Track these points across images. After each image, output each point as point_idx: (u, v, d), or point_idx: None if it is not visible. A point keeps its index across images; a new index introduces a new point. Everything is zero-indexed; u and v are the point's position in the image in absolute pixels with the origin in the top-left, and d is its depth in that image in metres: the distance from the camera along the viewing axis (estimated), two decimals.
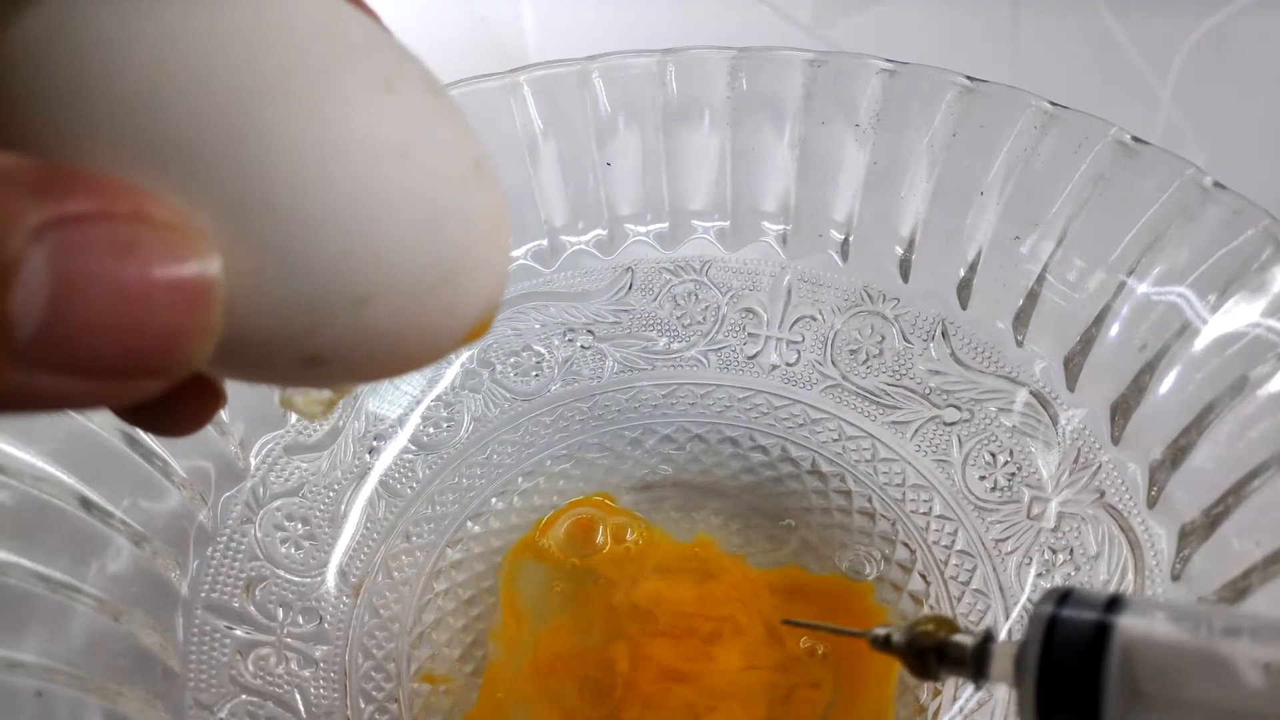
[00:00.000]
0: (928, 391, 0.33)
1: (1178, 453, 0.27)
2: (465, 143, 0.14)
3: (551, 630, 0.29)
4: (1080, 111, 0.31)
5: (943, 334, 0.33)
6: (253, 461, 0.31)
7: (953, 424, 0.33)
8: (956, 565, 0.30)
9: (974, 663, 0.17)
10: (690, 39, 0.35)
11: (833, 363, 0.35)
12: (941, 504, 0.31)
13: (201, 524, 0.30)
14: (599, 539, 0.31)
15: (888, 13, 0.53)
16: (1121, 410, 0.29)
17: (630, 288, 0.37)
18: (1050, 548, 0.29)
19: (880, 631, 0.18)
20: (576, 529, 0.32)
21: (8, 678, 0.23)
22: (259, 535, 0.30)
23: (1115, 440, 0.29)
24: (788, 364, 0.35)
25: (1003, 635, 0.28)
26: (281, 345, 0.13)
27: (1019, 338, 0.32)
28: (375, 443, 0.33)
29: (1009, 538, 0.30)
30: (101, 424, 0.27)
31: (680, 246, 0.37)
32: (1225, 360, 0.27)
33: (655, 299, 0.36)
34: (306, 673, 0.29)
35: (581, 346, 0.36)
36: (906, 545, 0.31)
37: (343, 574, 0.31)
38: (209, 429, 0.30)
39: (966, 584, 0.30)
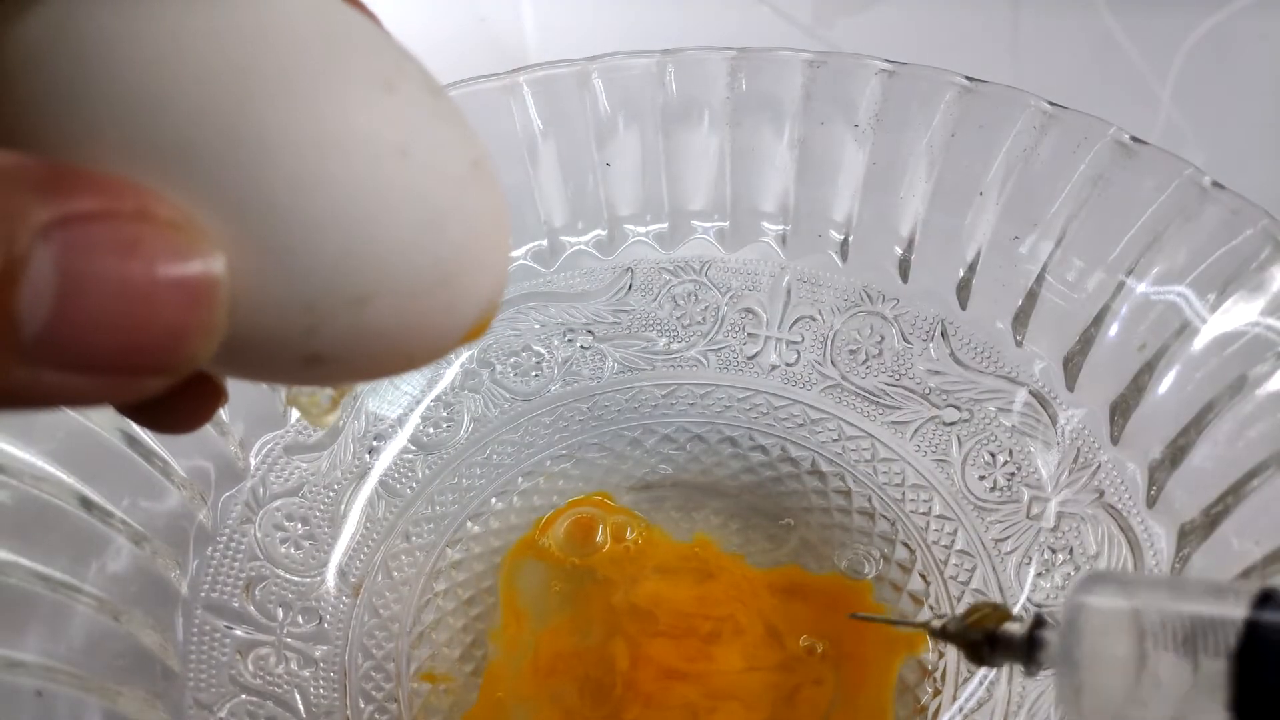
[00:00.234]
0: (927, 391, 0.33)
1: (1177, 452, 0.27)
2: (465, 143, 0.15)
3: (552, 630, 0.29)
4: (1079, 111, 0.31)
5: (942, 334, 0.33)
6: (253, 461, 0.31)
7: (952, 424, 0.33)
8: (956, 565, 0.30)
9: (1026, 649, 0.17)
10: (690, 39, 0.35)
11: (832, 363, 0.35)
12: (941, 504, 0.31)
13: (201, 524, 0.30)
14: (599, 538, 0.31)
15: (888, 13, 0.53)
16: (1121, 410, 0.29)
17: (630, 288, 0.37)
18: (1050, 547, 0.29)
19: (936, 622, 0.19)
20: (576, 528, 0.32)
21: (8, 677, 0.23)
22: (259, 535, 0.30)
23: (1114, 440, 0.29)
24: (787, 364, 0.35)
25: None
26: (282, 344, 0.13)
27: (1018, 338, 0.32)
28: (375, 443, 0.33)
29: (1008, 537, 0.30)
30: (101, 423, 0.27)
31: (680, 247, 0.37)
32: (1224, 359, 0.27)
33: (655, 299, 0.36)
34: (306, 672, 0.29)
35: (581, 347, 0.36)
36: (906, 545, 0.31)
37: (342, 574, 0.31)
38: (209, 429, 0.30)
39: (966, 584, 0.30)
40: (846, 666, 0.28)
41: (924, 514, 0.31)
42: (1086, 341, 0.30)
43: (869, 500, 0.32)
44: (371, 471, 0.33)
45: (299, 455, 0.32)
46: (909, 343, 0.34)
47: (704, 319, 0.36)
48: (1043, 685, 0.27)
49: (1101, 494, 0.29)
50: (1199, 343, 0.27)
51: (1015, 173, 0.31)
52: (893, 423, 0.33)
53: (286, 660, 0.29)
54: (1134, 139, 0.30)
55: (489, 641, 0.30)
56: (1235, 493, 0.25)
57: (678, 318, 0.36)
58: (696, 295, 0.36)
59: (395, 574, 0.31)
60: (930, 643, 0.28)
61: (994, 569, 0.29)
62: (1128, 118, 0.30)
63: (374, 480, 0.33)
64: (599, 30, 0.52)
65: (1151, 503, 0.28)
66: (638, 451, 0.34)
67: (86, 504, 0.26)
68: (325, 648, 0.29)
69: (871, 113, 0.33)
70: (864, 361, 0.34)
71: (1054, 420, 0.31)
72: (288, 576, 0.30)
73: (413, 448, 0.34)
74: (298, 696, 0.28)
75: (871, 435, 0.33)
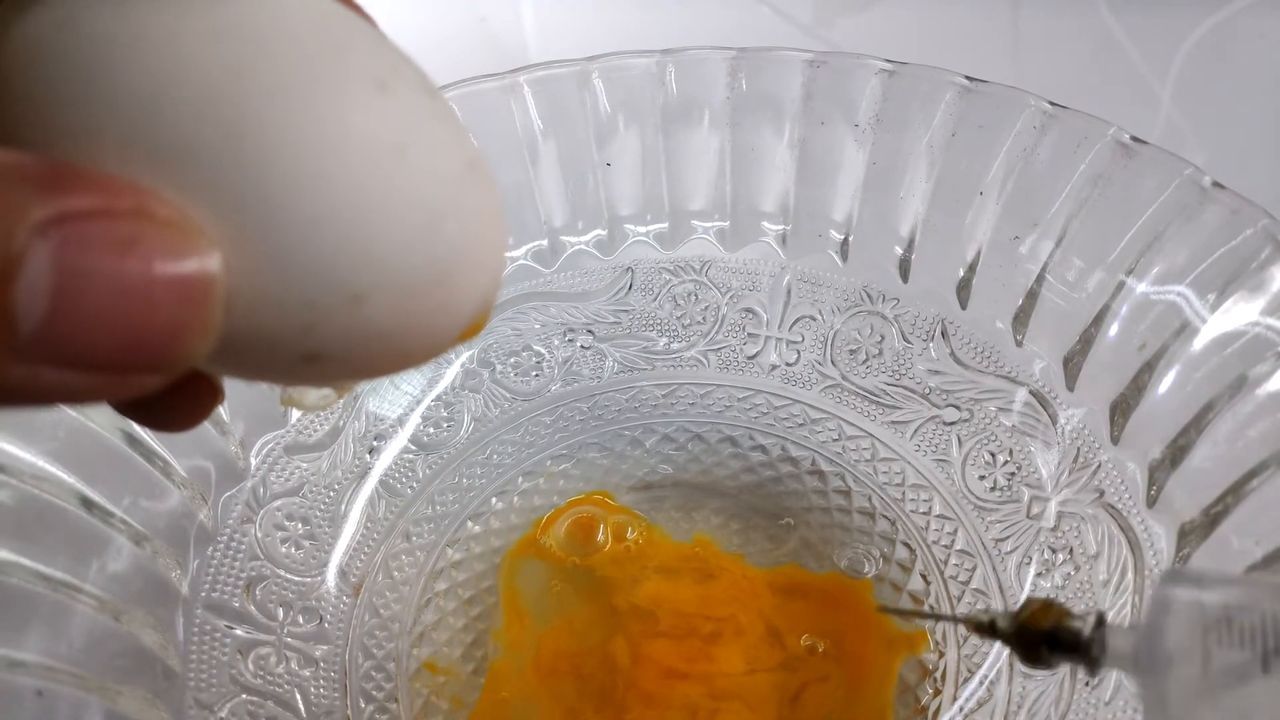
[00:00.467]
0: (927, 391, 0.33)
1: (1177, 452, 0.27)
2: (460, 143, 0.15)
3: (554, 629, 0.29)
4: (1079, 111, 0.31)
5: (942, 334, 0.33)
6: (253, 461, 0.31)
7: (952, 424, 0.33)
8: (956, 565, 0.30)
9: (1090, 650, 0.16)
10: (690, 39, 0.35)
11: (832, 362, 0.35)
12: (941, 503, 0.31)
13: (202, 523, 0.30)
14: (599, 537, 0.31)
15: (888, 13, 0.53)
16: (1121, 409, 0.29)
17: (630, 288, 0.37)
18: (1050, 547, 0.29)
19: (984, 618, 0.18)
20: (577, 528, 0.32)
21: (8, 677, 0.23)
22: (259, 535, 0.30)
23: (1115, 439, 0.29)
24: (787, 364, 0.35)
25: None
26: (279, 342, 0.13)
27: (1018, 337, 0.32)
28: (375, 443, 0.33)
29: (1008, 537, 0.30)
30: (102, 423, 0.27)
31: (680, 247, 0.37)
32: (1224, 359, 0.27)
33: (655, 299, 0.36)
34: (306, 672, 0.29)
35: (581, 346, 0.36)
36: (906, 545, 0.31)
37: (343, 574, 0.31)
38: (209, 428, 0.30)
39: (966, 583, 0.30)
40: (847, 666, 0.28)
41: (924, 514, 0.31)
42: (1086, 341, 0.30)
43: (869, 500, 0.32)
44: (372, 471, 0.33)
45: (299, 455, 0.32)
46: (909, 342, 0.34)
47: (704, 319, 0.36)
48: (1042, 685, 0.27)
49: (1102, 494, 0.29)
50: (1199, 343, 0.28)
51: (1015, 172, 0.31)
52: (893, 422, 0.33)
53: (287, 660, 0.29)
54: (1134, 139, 0.30)
55: (491, 641, 0.30)
56: (1235, 492, 0.25)
57: (678, 318, 0.36)
58: (696, 295, 0.36)
59: (396, 574, 0.31)
60: (930, 643, 0.28)
61: (994, 569, 0.30)
62: (1128, 118, 0.30)
63: (374, 480, 0.33)
64: (599, 30, 0.52)
65: (1151, 502, 0.28)
66: (638, 451, 0.34)
67: (87, 504, 0.26)
68: (325, 647, 0.29)
69: (871, 113, 0.33)
70: (864, 361, 0.34)
71: (1054, 420, 0.31)
72: (288, 576, 0.30)
73: (413, 447, 0.34)
74: (298, 696, 0.28)
75: (871, 435, 0.33)
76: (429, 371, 0.35)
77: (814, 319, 0.35)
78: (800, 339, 0.35)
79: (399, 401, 0.34)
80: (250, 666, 0.28)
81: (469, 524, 0.32)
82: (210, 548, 0.30)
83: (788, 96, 0.34)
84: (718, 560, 0.31)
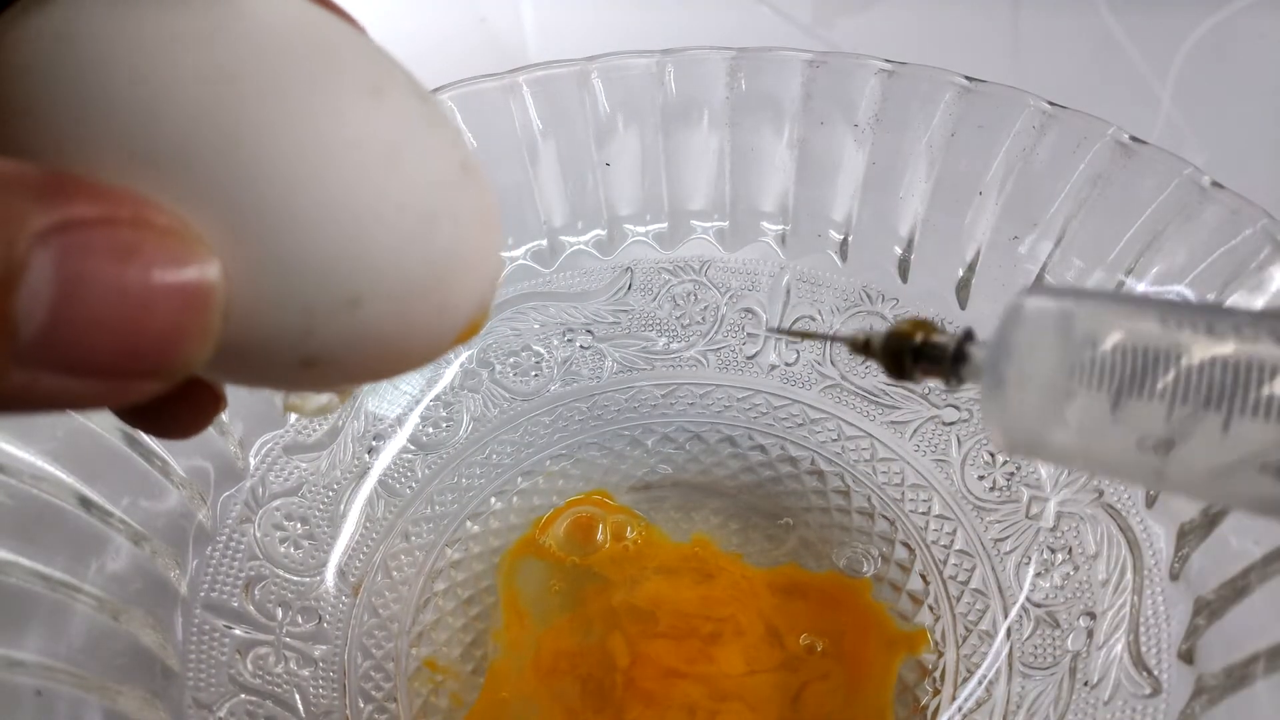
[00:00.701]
0: (926, 391, 0.33)
1: None
2: (453, 146, 0.15)
3: (553, 629, 0.29)
4: (1079, 111, 0.31)
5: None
6: (252, 461, 0.31)
7: (951, 424, 0.33)
8: (955, 565, 0.30)
9: (951, 362, 0.16)
10: (690, 39, 0.35)
11: (831, 362, 0.35)
12: (940, 503, 0.31)
13: (201, 523, 0.30)
14: (599, 537, 0.31)
15: (888, 13, 0.53)
16: None
17: (629, 288, 0.37)
18: (1049, 547, 0.29)
19: (860, 337, 0.18)
20: (576, 528, 0.32)
21: (7, 676, 0.23)
22: (258, 535, 0.30)
23: None
24: (787, 364, 0.35)
25: (1001, 634, 0.28)
26: (278, 347, 0.13)
27: None
28: (374, 442, 0.33)
29: (1008, 537, 0.30)
30: (101, 423, 0.27)
31: (679, 247, 0.37)
32: None
33: (654, 299, 0.36)
34: (305, 672, 0.29)
35: (581, 346, 0.36)
36: (905, 545, 0.31)
37: (342, 574, 0.31)
38: (209, 428, 0.30)
39: (965, 584, 0.30)
40: (847, 665, 0.28)
41: (923, 514, 0.31)
42: None
43: (868, 500, 0.32)
44: (371, 471, 0.33)
45: (298, 455, 0.32)
46: None
47: (704, 319, 0.36)
48: (1042, 685, 0.27)
49: (1101, 494, 0.29)
50: None
51: (1015, 172, 0.31)
52: (892, 422, 0.33)
53: (286, 660, 0.29)
54: (1134, 139, 0.30)
55: (490, 641, 0.30)
56: None
57: (677, 318, 0.36)
58: (696, 295, 0.36)
59: (395, 574, 0.31)
60: (930, 642, 0.28)
61: (993, 569, 0.29)
62: (1128, 118, 0.30)
63: (373, 480, 0.33)
64: (599, 30, 0.52)
65: (1151, 503, 0.28)
66: (637, 451, 0.34)
67: (86, 504, 0.26)
68: (325, 647, 0.29)
69: (871, 113, 0.33)
70: (863, 361, 0.34)
71: None
72: (287, 576, 0.30)
73: (412, 447, 0.34)
74: (297, 696, 0.28)
75: (871, 435, 0.33)
76: (428, 371, 0.35)
77: (814, 319, 0.35)
78: (800, 339, 0.35)
79: (398, 401, 0.34)
80: (249, 666, 0.28)
81: (468, 524, 0.32)
82: (209, 548, 0.30)
83: (787, 96, 0.34)
84: (717, 560, 0.31)
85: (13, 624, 0.24)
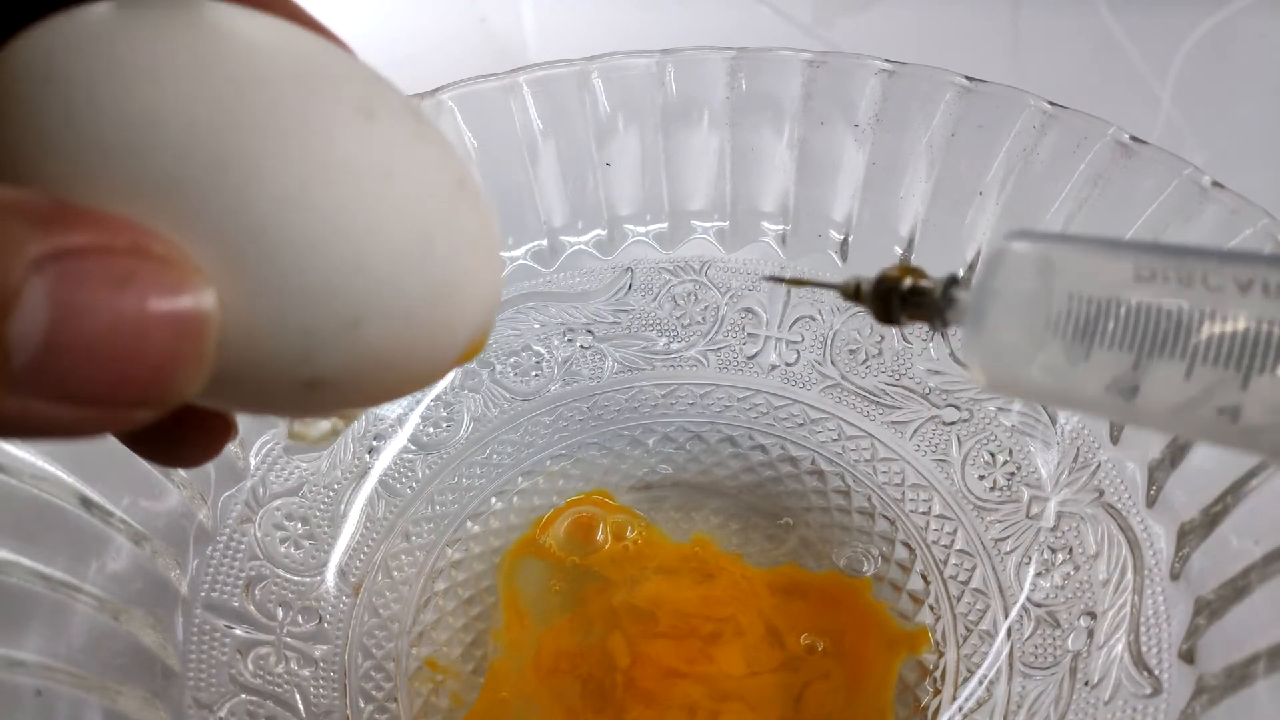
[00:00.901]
0: (927, 391, 0.33)
1: (1176, 452, 0.27)
2: (447, 164, 0.15)
3: (553, 629, 0.29)
4: (1079, 111, 0.31)
5: (942, 334, 0.33)
6: (252, 461, 0.31)
7: (952, 424, 0.33)
8: (956, 565, 0.30)
9: (938, 306, 0.17)
10: (690, 39, 0.35)
11: (832, 362, 0.35)
12: (941, 503, 0.31)
13: (201, 523, 0.30)
14: (599, 537, 0.31)
15: (888, 13, 0.53)
16: None
17: (630, 288, 0.37)
18: (1049, 547, 0.29)
19: (852, 283, 0.19)
20: (576, 527, 0.32)
21: (8, 676, 0.23)
22: (259, 535, 0.30)
23: (1114, 439, 0.29)
24: (787, 364, 0.35)
25: (1001, 634, 0.28)
26: (279, 371, 0.13)
27: None
28: (375, 442, 0.33)
29: (1008, 537, 0.30)
30: None
31: (680, 247, 0.37)
32: None
33: (655, 299, 0.36)
34: (306, 672, 0.29)
35: (581, 346, 0.36)
36: (906, 545, 0.31)
37: (342, 573, 0.31)
38: None
39: (966, 583, 0.30)
40: (847, 664, 0.28)
41: (924, 513, 0.31)
42: None
43: (868, 500, 0.32)
44: (371, 471, 0.33)
45: (299, 455, 0.32)
46: (909, 343, 0.34)
47: (704, 319, 0.36)
48: (1042, 685, 0.27)
49: (1101, 493, 0.29)
50: None
51: (1015, 172, 0.31)
52: (892, 422, 0.33)
53: (286, 660, 0.29)
54: (1134, 139, 0.30)
55: (490, 641, 0.30)
56: (1234, 492, 0.25)
57: (678, 317, 0.36)
58: (696, 295, 0.36)
59: (395, 574, 0.31)
60: (931, 642, 0.28)
61: (993, 568, 0.29)
62: (1128, 118, 0.30)
63: (374, 480, 0.33)
64: (599, 30, 0.52)
65: (1151, 502, 0.28)
66: (637, 451, 0.34)
67: (86, 503, 0.26)
68: (325, 647, 0.29)
69: (871, 113, 0.33)
70: (864, 361, 0.34)
71: (1053, 419, 0.31)
72: (288, 576, 0.30)
73: (412, 447, 0.34)
74: (297, 696, 0.28)
75: (871, 435, 0.33)
76: None
77: (813, 319, 0.35)
78: (800, 339, 0.35)
79: (398, 401, 0.34)
80: (250, 666, 0.28)
81: (468, 524, 0.32)
82: (210, 547, 0.30)
83: (787, 96, 0.34)
84: (717, 560, 0.31)
85: (13, 624, 0.24)
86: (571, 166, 0.35)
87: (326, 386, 0.14)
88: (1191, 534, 0.26)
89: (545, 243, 0.36)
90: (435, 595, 0.31)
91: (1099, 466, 0.29)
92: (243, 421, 0.31)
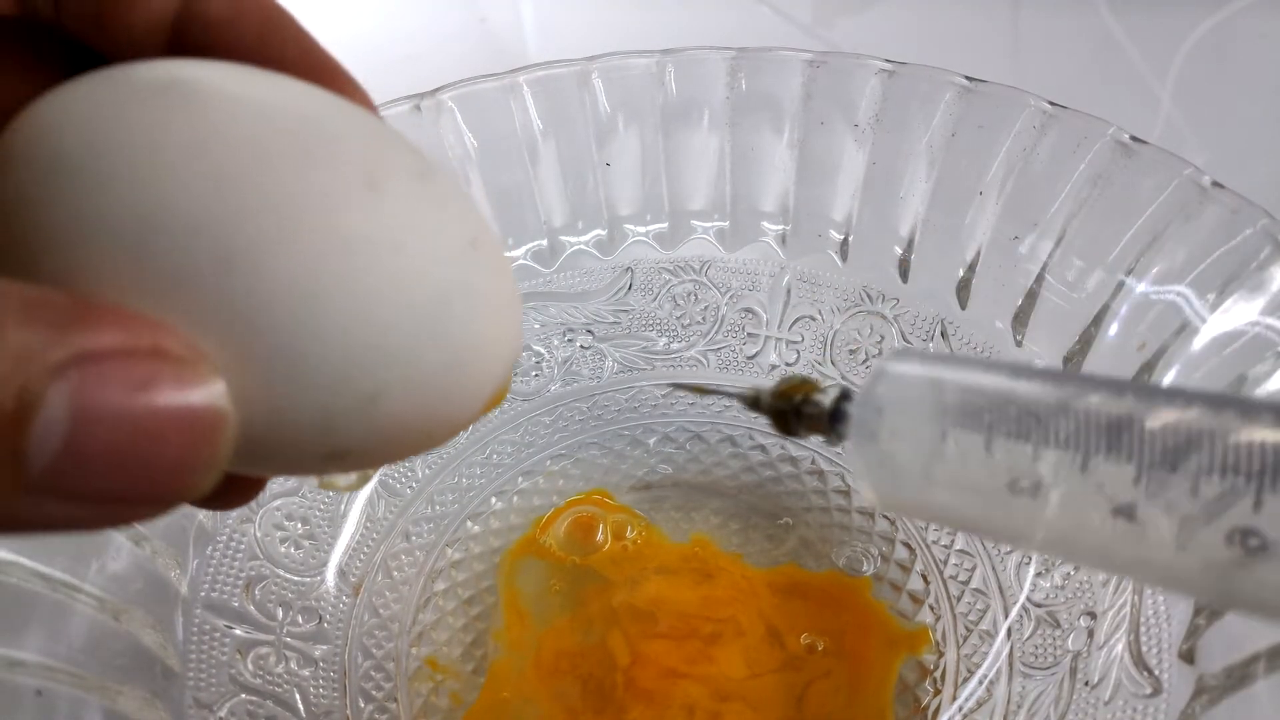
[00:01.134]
0: None
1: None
2: (460, 223, 0.14)
3: (554, 629, 0.29)
4: (1079, 111, 0.31)
5: (942, 334, 0.33)
6: None
7: None
8: (956, 565, 0.30)
9: (830, 421, 0.17)
10: (690, 39, 0.35)
11: (832, 363, 0.35)
12: None
13: (201, 523, 0.30)
14: (599, 537, 0.31)
15: (888, 13, 0.53)
16: None
17: (630, 288, 0.37)
18: None
19: (751, 393, 0.19)
20: (576, 527, 0.32)
21: (8, 676, 0.23)
22: (258, 534, 0.30)
23: None
24: (787, 364, 0.35)
25: (1001, 634, 0.28)
26: (301, 447, 0.13)
27: (1018, 337, 0.32)
28: None
29: None
30: None
31: (680, 247, 0.37)
32: (1224, 359, 0.27)
33: (655, 299, 0.36)
34: (306, 672, 0.29)
35: (581, 346, 0.36)
36: (906, 544, 0.31)
37: (342, 573, 0.31)
38: None
39: (966, 583, 0.30)
40: (848, 664, 0.28)
41: None
42: (1086, 341, 0.30)
43: None
44: (371, 471, 0.33)
45: None
46: (909, 343, 0.34)
47: (704, 319, 0.36)
48: (1042, 685, 0.27)
49: None
50: (1199, 342, 0.27)
51: (1015, 172, 0.31)
52: None
53: (286, 660, 0.29)
54: (1134, 139, 0.30)
55: (490, 641, 0.30)
56: None
57: (678, 318, 0.36)
58: (696, 295, 0.36)
59: (395, 574, 0.31)
60: (931, 642, 0.28)
61: (993, 568, 0.29)
62: (1128, 118, 0.30)
63: (374, 480, 0.33)
64: (599, 30, 0.52)
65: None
66: (637, 451, 0.34)
67: None
68: (325, 647, 0.29)
69: (871, 113, 0.33)
70: (864, 361, 0.34)
71: None
72: (288, 576, 0.30)
73: None
74: (297, 696, 0.28)
75: None
76: None
77: (814, 319, 0.35)
78: (800, 339, 0.35)
79: None
80: (250, 666, 0.28)
81: (468, 524, 0.32)
82: (209, 547, 0.30)
83: (787, 96, 0.34)
84: (717, 560, 0.31)
85: (13, 624, 0.24)
86: (571, 166, 0.35)
87: (349, 456, 0.14)
88: None
89: (545, 243, 0.36)
90: (435, 595, 0.31)
91: None
92: None
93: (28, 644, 0.24)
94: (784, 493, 0.33)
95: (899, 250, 0.34)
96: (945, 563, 0.30)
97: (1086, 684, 0.26)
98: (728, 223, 0.36)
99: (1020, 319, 0.32)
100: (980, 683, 0.27)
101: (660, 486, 0.33)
